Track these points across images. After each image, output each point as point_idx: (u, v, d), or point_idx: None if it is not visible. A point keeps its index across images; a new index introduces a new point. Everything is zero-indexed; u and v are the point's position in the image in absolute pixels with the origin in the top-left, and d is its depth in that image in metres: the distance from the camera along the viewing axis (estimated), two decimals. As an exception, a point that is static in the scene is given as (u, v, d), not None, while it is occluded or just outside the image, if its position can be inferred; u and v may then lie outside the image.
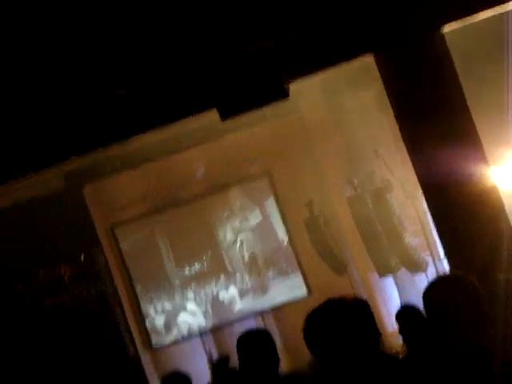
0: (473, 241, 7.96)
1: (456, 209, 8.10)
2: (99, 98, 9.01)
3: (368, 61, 8.92)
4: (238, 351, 4.07)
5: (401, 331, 4.07)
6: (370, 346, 3.12)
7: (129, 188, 14.98)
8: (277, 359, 4.01)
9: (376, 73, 8.85)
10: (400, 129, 8.60)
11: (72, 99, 8.96)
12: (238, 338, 4.12)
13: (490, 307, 3.05)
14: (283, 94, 8.59)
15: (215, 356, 14.89)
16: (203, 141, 14.70)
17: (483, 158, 8.22)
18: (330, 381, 3.20)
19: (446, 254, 8.87)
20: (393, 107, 8.64)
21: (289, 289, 15.32)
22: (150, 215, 15.33)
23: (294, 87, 8.91)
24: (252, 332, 4.58)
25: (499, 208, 8.17)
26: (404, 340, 3.81)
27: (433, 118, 8.17)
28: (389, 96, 8.67)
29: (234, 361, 5.29)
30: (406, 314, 5.42)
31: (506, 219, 8.16)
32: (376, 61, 8.75)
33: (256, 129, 14.49)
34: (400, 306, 3.98)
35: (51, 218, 14.11)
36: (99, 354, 14.50)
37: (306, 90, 12.75)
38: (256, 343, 4.04)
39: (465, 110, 8.32)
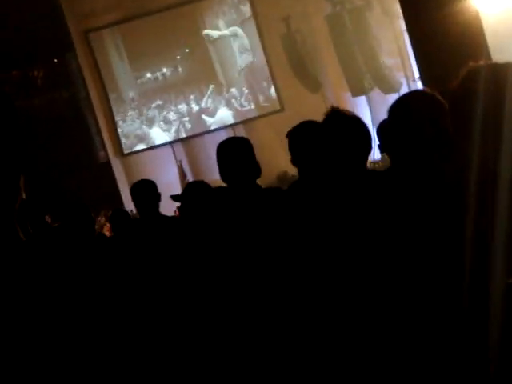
0: (449, 62, 7.95)
1: (436, 29, 8.03)
2: None
3: None
4: (219, 156, 4.09)
5: (384, 145, 4.09)
6: (357, 161, 3.16)
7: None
8: (258, 169, 4.04)
9: None
10: None
11: None
12: (219, 144, 4.13)
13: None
14: None
15: (185, 165, 15.10)
16: None
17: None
18: (311, 192, 3.25)
19: (421, 74, 8.87)
20: None
21: (273, 103, 15.40)
22: (125, 22, 15.06)
23: None
24: (234, 138, 4.60)
25: (479, 33, 8.12)
26: (388, 153, 3.85)
27: None
28: None
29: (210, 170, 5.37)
30: (387, 128, 5.45)
31: (485, 42, 8.13)
32: None
33: None
34: (382, 122, 3.98)
35: (27, 18, 13.84)
36: (70, 159, 14.63)
37: None
38: (237, 148, 4.06)
39: None
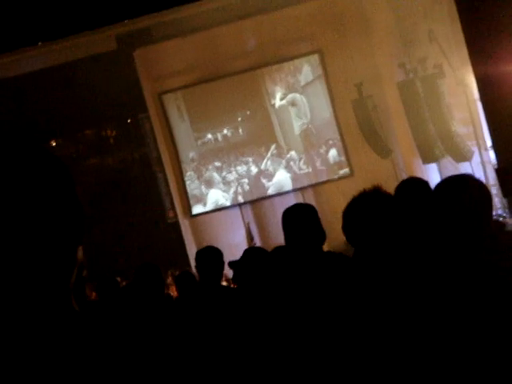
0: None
1: (508, 100, 7.98)
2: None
3: None
4: (284, 222, 4.08)
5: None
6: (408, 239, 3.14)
7: (178, 56, 14.91)
8: (323, 234, 4.02)
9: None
10: (458, 10, 8.38)
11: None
12: (284, 210, 4.12)
13: None
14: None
15: (252, 227, 15.12)
16: (255, 13, 14.54)
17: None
18: (362, 267, 3.22)
19: (493, 144, 8.79)
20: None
21: (331, 167, 15.40)
22: (198, 84, 15.28)
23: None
24: (299, 205, 4.57)
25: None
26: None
27: (496, 8, 7.95)
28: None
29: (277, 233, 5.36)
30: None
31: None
32: None
33: (310, 4, 14.27)
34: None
35: (101, 79, 14.16)
36: (140, 218, 14.80)
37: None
38: (302, 216, 4.05)
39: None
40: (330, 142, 15.41)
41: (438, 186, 3.17)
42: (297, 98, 15.43)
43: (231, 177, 15.46)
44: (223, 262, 5.44)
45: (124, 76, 14.55)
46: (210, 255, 5.46)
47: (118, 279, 7.10)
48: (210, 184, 15.47)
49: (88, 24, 10.72)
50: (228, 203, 15.45)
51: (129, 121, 15.77)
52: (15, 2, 9.38)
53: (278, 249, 4.67)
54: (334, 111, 15.26)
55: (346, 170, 15.31)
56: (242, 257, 4.76)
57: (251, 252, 4.79)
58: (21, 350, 1.24)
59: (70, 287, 1.33)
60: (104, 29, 12.15)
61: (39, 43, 12.32)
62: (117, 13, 10.29)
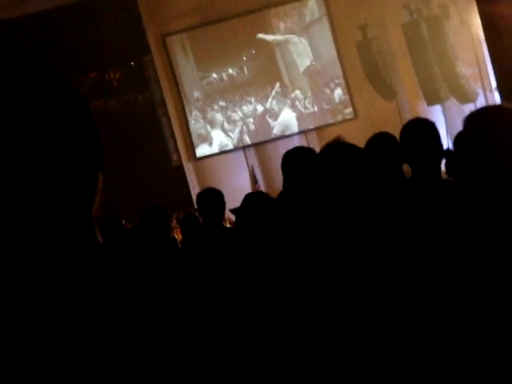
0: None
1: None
2: None
3: None
4: (283, 166, 4.08)
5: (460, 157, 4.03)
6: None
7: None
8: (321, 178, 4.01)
9: None
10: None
11: None
12: (284, 153, 4.12)
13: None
14: None
15: (256, 170, 15.12)
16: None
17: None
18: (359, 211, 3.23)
19: (498, 85, 8.75)
20: None
21: (336, 107, 15.36)
22: (203, 26, 15.16)
23: None
24: (299, 149, 4.57)
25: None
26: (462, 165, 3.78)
27: None
28: None
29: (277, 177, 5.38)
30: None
31: None
32: None
33: None
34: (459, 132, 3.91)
35: (104, 21, 14.06)
36: (144, 161, 14.80)
37: None
38: (302, 160, 4.04)
39: None
40: (336, 81, 15.33)
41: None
42: (294, 40, 15.32)
43: (236, 116, 15.43)
44: (224, 203, 5.47)
45: (127, 18, 14.45)
46: (211, 197, 5.48)
47: (123, 222, 7.11)
48: (214, 124, 15.45)
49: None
50: (233, 143, 15.45)
51: (132, 64, 15.67)
52: None
53: (282, 195, 4.68)
54: (338, 52, 15.15)
55: (350, 110, 15.26)
56: (243, 203, 4.76)
57: (251, 198, 4.79)
58: (46, 283, 1.23)
59: (92, 216, 1.31)
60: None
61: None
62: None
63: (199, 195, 5.63)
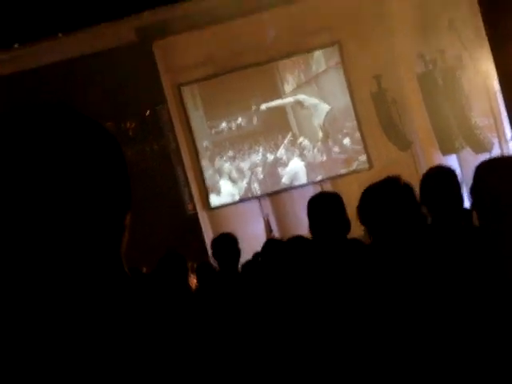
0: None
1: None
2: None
3: None
4: (310, 210, 4.07)
5: (475, 206, 4.02)
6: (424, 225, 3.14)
7: (198, 48, 14.91)
8: (347, 222, 4.02)
9: None
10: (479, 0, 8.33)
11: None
12: (310, 199, 4.12)
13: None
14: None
15: (271, 219, 15.11)
16: (273, 5, 14.52)
17: None
18: (382, 253, 3.22)
19: (514, 135, 8.75)
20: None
21: (350, 159, 15.36)
22: (216, 76, 15.29)
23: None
24: (324, 194, 4.57)
25: None
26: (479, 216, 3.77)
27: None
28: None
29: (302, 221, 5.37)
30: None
31: None
32: None
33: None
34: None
35: (119, 71, 14.17)
36: (159, 209, 14.82)
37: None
38: (329, 204, 4.04)
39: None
40: (348, 130, 15.36)
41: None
42: (302, 98, 15.39)
43: (245, 165, 15.47)
44: (239, 249, 5.45)
45: (142, 68, 14.58)
46: (226, 242, 5.48)
47: (144, 269, 7.11)
48: (222, 173, 15.50)
49: (107, 15, 10.75)
50: (241, 192, 15.47)
51: (147, 113, 15.77)
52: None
53: (296, 239, 4.66)
54: (352, 102, 15.20)
55: (363, 161, 15.25)
56: (263, 248, 4.76)
57: (272, 243, 4.79)
58: (77, 317, 1.27)
59: (120, 253, 1.37)
60: (123, 20, 12.15)
61: (59, 35, 12.32)
62: (136, 4, 10.32)
63: (215, 240, 5.62)
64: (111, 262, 1.33)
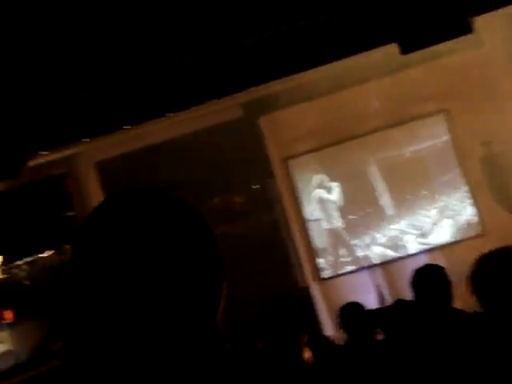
0: None
1: None
2: (274, 32, 9.07)
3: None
4: (414, 283, 4.07)
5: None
6: None
7: (304, 121, 15.06)
8: (450, 296, 4.00)
9: None
10: None
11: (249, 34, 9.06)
12: (414, 270, 4.12)
13: None
14: (467, 29, 8.35)
15: (384, 290, 14.96)
16: (380, 75, 14.60)
17: None
18: (494, 325, 3.17)
19: None
20: None
21: (462, 226, 15.14)
22: (324, 148, 15.38)
23: (479, 22, 8.65)
24: (429, 266, 4.57)
25: None
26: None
27: None
28: None
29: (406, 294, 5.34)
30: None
31: None
32: None
33: (435, 64, 14.22)
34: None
35: (227, 147, 14.43)
36: (270, 283, 14.84)
37: (492, 25, 12.36)
38: (432, 277, 4.04)
39: None
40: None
41: None
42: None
43: (367, 237, 15.38)
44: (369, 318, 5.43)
45: (249, 142, 14.79)
46: (357, 310, 5.47)
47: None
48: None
49: (215, 93, 10.99)
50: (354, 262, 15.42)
51: (256, 186, 15.94)
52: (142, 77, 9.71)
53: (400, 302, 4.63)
54: (463, 170, 15.02)
55: (476, 226, 14.99)
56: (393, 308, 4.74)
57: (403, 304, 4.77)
58: None
59: (216, 323, 1.45)
60: (231, 97, 12.37)
61: (168, 114, 12.63)
62: (243, 81, 10.53)
63: (343, 308, 5.61)
64: (208, 330, 1.41)
